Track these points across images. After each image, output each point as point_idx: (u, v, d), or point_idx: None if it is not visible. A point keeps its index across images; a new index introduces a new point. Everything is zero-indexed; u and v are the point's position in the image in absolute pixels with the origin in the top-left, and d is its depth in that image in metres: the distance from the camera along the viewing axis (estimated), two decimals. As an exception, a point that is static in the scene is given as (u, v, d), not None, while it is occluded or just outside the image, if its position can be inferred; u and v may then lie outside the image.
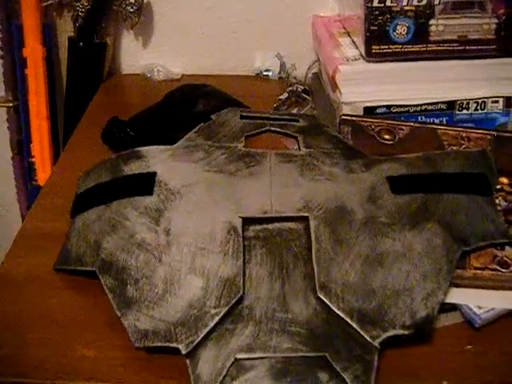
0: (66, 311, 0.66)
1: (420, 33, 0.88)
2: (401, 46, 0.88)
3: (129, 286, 0.63)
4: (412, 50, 0.88)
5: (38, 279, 0.70)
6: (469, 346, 0.63)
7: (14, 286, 0.69)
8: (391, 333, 0.60)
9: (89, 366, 0.60)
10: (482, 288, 0.66)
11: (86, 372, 0.60)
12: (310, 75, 1.10)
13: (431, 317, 0.61)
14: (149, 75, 1.16)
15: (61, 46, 1.15)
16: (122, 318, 0.61)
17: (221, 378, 0.56)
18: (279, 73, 1.14)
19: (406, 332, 0.60)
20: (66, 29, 1.12)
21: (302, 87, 1.05)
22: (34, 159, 1.14)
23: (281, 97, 1.03)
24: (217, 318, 0.59)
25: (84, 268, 0.68)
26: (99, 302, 0.65)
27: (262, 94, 1.08)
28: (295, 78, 1.11)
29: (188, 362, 0.58)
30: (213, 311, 0.60)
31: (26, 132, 1.15)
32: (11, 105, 1.17)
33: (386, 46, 0.88)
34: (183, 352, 0.58)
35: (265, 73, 1.16)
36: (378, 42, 0.88)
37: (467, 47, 0.89)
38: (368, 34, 0.88)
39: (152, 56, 1.17)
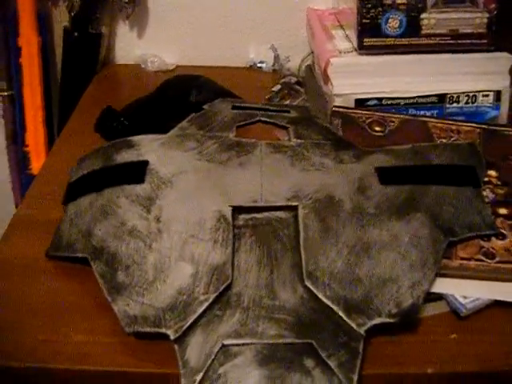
0: (57, 297, 0.67)
1: (412, 26, 0.89)
2: (393, 40, 0.89)
3: (119, 272, 0.64)
4: (404, 43, 0.89)
5: (30, 265, 0.71)
6: (453, 335, 0.64)
7: (6, 271, 0.70)
8: (377, 321, 0.60)
9: (80, 351, 0.61)
10: (468, 278, 0.67)
11: (77, 356, 0.60)
12: (303, 67, 1.11)
13: (417, 306, 0.62)
14: (143, 66, 1.16)
15: (56, 35, 1.16)
16: (112, 303, 0.62)
17: (208, 363, 0.57)
18: (273, 65, 1.15)
19: (392, 320, 0.61)
20: (61, 19, 1.13)
21: (295, 79, 1.05)
22: (28, 148, 1.15)
23: (274, 88, 1.03)
24: (205, 305, 0.60)
25: (76, 254, 0.68)
26: (90, 288, 0.66)
27: (255, 86, 1.09)
28: (289, 69, 1.12)
29: (176, 347, 0.59)
30: (201, 298, 0.61)
31: (21, 121, 1.16)
32: (6, 94, 1.18)
33: (378, 39, 0.88)
34: (172, 337, 0.59)
35: (259, 64, 1.17)
36: (370, 35, 0.89)
37: (458, 41, 0.90)
38: (360, 27, 0.89)
39: (146, 46, 1.18)
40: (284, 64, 1.13)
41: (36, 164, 1.12)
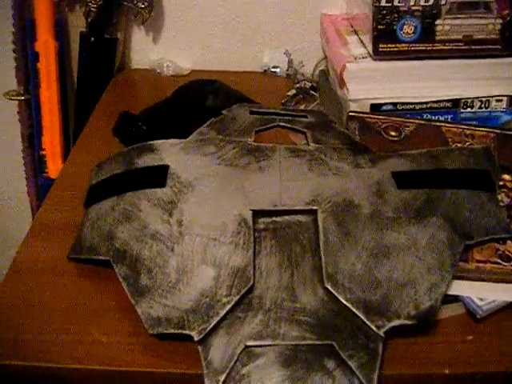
0: (80, 299, 0.68)
1: (426, 32, 0.90)
2: (407, 45, 0.90)
3: (142, 275, 0.65)
4: (418, 48, 0.90)
5: (52, 268, 0.72)
6: (470, 337, 0.65)
7: (29, 274, 0.71)
8: (396, 323, 0.61)
9: (102, 351, 0.62)
10: (484, 281, 0.68)
11: (100, 356, 0.62)
12: (317, 72, 1.12)
13: (434, 308, 0.63)
14: (158, 70, 1.18)
15: (72, 40, 1.17)
16: (136, 305, 0.63)
17: (231, 364, 0.58)
18: (287, 70, 1.16)
19: (410, 322, 0.62)
20: (77, 24, 1.14)
21: (310, 84, 1.07)
22: (44, 152, 1.16)
23: (289, 93, 1.04)
24: (228, 307, 0.61)
25: (98, 257, 0.69)
26: (113, 291, 0.67)
27: (269, 91, 1.10)
28: (303, 74, 1.13)
29: (200, 348, 0.60)
30: (224, 300, 0.62)
31: (37, 125, 1.17)
32: (23, 98, 1.19)
33: (393, 45, 0.89)
34: (196, 339, 0.60)
35: (273, 69, 1.18)
36: (385, 40, 0.89)
37: (472, 47, 0.91)
38: (376, 32, 0.90)
39: (162, 51, 1.20)
40: (298, 69, 1.14)
41: (52, 167, 1.14)
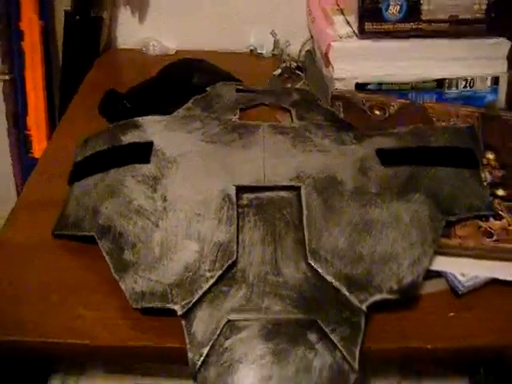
0: (64, 274, 0.68)
1: (412, 12, 0.90)
2: (393, 25, 0.90)
3: (126, 250, 0.65)
4: (404, 28, 0.90)
5: (36, 244, 0.72)
6: (452, 314, 0.66)
7: (13, 250, 0.71)
8: (378, 297, 0.62)
9: (87, 326, 0.62)
10: (466, 257, 0.69)
11: (84, 331, 0.62)
12: (303, 52, 1.12)
13: (416, 282, 0.64)
14: (144, 50, 1.17)
15: (57, 19, 1.16)
16: (119, 280, 0.63)
17: (214, 337, 0.59)
18: (273, 50, 1.16)
19: (393, 296, 0.62)
20: (62, 2, 1.13)
21: (296, 64, 1.07)
22: (29, 132, 1.16)
23: (274, 72, 1.05)
24: (211, 281, 0.62)
25: (82, 233, 0.69)
26: (97, 266, 0.67)
27: (255, 71, 1.10)
28: (289, 54, 1.13)
29: (183, 322, 0.60)
30: (207, 274, 0.62)
31: (22, 105, 1.16)
32: (7, 77, 1.18)
33: (379, 24, 0.89)
34: (179, 313, 0.60)
35: (259, 50, 1.18)
36: (370, 20, 0.89)
37: (457, 27, 0.91)
38: (361, 12, 0.89)
39: (148, 31, 1.19)
40: (284, 49, 1.14)
41: (37, 147, 1.13)
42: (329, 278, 0.62)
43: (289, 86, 1.00)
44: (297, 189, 0.69)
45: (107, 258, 0.65)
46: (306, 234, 0.65)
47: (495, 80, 0.93)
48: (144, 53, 1.17)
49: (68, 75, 1.15)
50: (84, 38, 1.13)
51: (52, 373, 0.80)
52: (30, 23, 1.10)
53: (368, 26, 0.89)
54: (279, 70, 1.05)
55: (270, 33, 1.15)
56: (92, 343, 0.62)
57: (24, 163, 1.21)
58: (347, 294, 0.62)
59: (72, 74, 1.13)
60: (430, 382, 0.78)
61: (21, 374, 0.78)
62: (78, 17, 1.11)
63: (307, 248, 0.64)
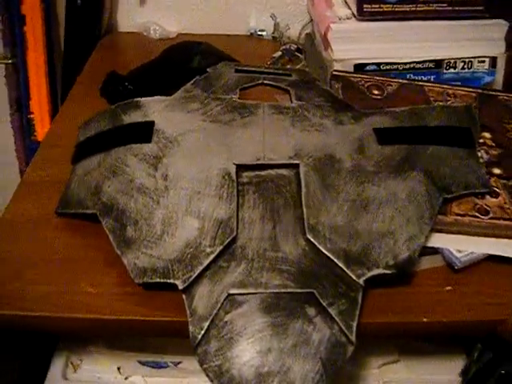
0: (68, 251, 0.69)
1: (410, -7, 0.91)
2: (391, 6, 0.90)
3: (128, 227, 0.66)
4: (402, 9, 0.91)
5: (40, 222, 0.73)
6: (448, 287, 0.67)
7: (17, 230, 0.72)
8: (375, 272, 0.63)
9: (90, 301, 0.64)
10: (463, 233, 0.69)
11: (87, 306, 0.63)
12: (303, 35, 1.13)
13: (413, 258, 0.65)
14: (145, 33, 1.18)
15: (58, 3, 1.17)
16: (122, 256, 0.64)
17: (215, 311, 0.60)
18: (273, 32, 1.17)
19: (389, 271, 0.63)
20: (64, -14, 1.14)
21: (296, 46, 1.07)
22: (32, 115, 1.17)
23: (274, 55, 1.05)
24: (212, 257, 0.63)
25: (85, 211, 0.70)
26: (100, 243, 0.68)
27: (256, 53, 1.11)
28: (289, 37, 1.14)
29: (184, 297, 0.61)
30: (208, 250, 0.63)
31: (25, 89, 1.17)
32: (10, 62, 1.18)
33: (377, 6, 0.90)
34: (180, 287, 0.61)
35: (259, 32, 1.19)
36: (369, 1, 0.90)
37: (455, 8, 0.92)
38: (360, -7, 0.90)
39: (148, 15, 1.20)
40: (284, 32, 1.14)
41: (41, 131, 1.14)
42: (327, 253, 0.63)
43: (288, 67, 1.01)
44: (296, 167, 0.70)
45: (110, 235, 0.66)
46: (304, 210, 0.66)
47: (493, 61, 0.93)
48: (145, 36, 1.18)
49: (70, 58, 1.15)
50: (86, 22, 1.14)
51: (56, 351, 0.82)
52: (31, 7, 1.10)
53: (367, 7, 0.90)
54: (279, 53, 1.06)
55: (270, 16, 1.16)
56: (96, 317, 0.63)
57: (28, 146, 1.22)
58: (345, 268, 0.63)
59: (74, 57, 1.14)
60: (429, 360, 0.80)
61: (25, 352, 0.80)
62: (79, 1, 1.11)
63: (306, 224, 0.65)
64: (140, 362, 0.79)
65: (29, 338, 0.79)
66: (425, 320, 0.64)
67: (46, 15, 1.13)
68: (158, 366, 0.79)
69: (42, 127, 1.14)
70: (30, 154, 1.20)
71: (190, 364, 0.78)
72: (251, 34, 1.19)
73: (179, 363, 0.79)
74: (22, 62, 1.16)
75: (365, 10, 0.90)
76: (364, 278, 0.62)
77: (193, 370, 0.77)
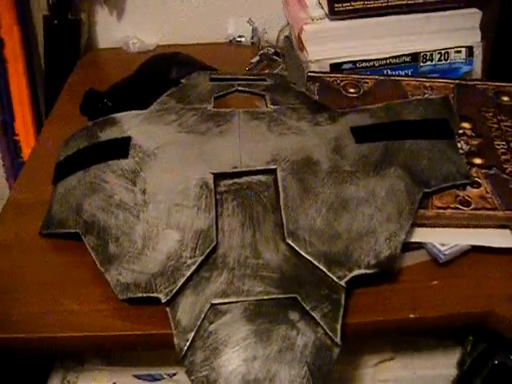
0: (51, 271, 0.69)
1: (381, -12, 0.90)
2: (363, 3, 0.90)
3: (110, 244, 0.66)
4: (374, 5, 0.90)
5: (24, 243, 0.73)
6: (435, 282, 0.67)
7: (2, 250, 0.73)
8: (356, 272, 0.63)
9: (75, 319, 0.64)
10: (445, 226, 0.70)
11: (72, 324, 0.63)
12: (281, 38, 1.12)
13: (394, 256, 0.65)
14: (125, 48, 1.18)
15: (37, 24, 1.17)
16: (105, 273, 0.65)
17: (199, 322, 0.60)
18: (252, 38, 1.17)
19: (371, 271, 0.63)
20: (39, 7, 1.14)
21: (273, 50, 1.07)
22: (18, 137, 1.17)
23: (252, 60, 1.06)
24: (193, 268, 0.63)
25: (67, 230, 0.71)
26: (83, 261, 0.68)
27: (235, 60, 1.12)
28: (267, 41, 1.14)
29: (168, 309, 0.61)
30: (189, 261, 0.63)
31: (9, 111, 1.18)
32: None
33: (348, 4, 0.89)
34: (163, 301, 0.61)
35: (238, 39, 1.19)
36: (340, 0, 0.90)
37: (427, 0, 0.91)
38: (330, -7, 0.90)
39: (126, 29, 1.20)
40: (262, 36, 1.15)
41: (27, 152, 1.15)
42: (307, 257, 0.63)
43: (266, 71, 1.01)
44: (273, 172, 0.70)
45: (92, 252, 0.67)
46: (283, 215, 0.66)
47: (470, 51, 0.93)
48: (124, 50, 1.18)
49: (51, 78, 1.16)
50: (64, 42, 1.14)
51: (52, 370, 0.82)
52: (9, 30, 1.11)
53: (338, 6, 0.89)
54: (257, 58, 1.06)
55: (248, 21, 1.16)
56: (82, 335, 0.63)
57: (16, 168, 1.23)
58: (326, 271, 0.63)
59: (55, 76, 1.15)
60: (423, 355, 0.79)
61: (21, 372, 0.80)
62: (56, 21, 1.12)
63: (285, 229, 0.65)
64: (135, 376, 0.79)
65: (23, 358, 0.79)
66: (412, 316, 0.64)
67: (25, 37, 1.13)
68: (153, 378, 0.79)
69: (27, 148, 1.14)
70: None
71: (185, 375, 0.78)
72: (230, 41, 1.20)
73: (174, 375, 0.79)
74: (4, 86, 1.16)
75: (336, 9, 0.89)
76: (346, 280, 0.62)
77: (188, 381, 0.77)
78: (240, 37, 1.18)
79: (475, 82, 0.87)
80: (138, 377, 0.79)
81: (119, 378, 0.80)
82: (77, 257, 0.70)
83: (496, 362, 0.72)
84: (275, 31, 1.13)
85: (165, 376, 0.79)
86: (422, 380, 0.79)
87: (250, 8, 1.17)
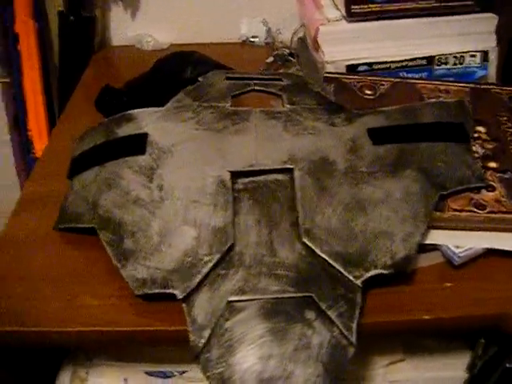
0: (67, 266, 0.70)
1: (398, -9, 0.90)
2: (380, 5, 0.90)
3: (126, 240, 0.66)
4: (390, 8, 0.90)
5: (39, 238, 0.73)
6: (449, 284, 0.67)
7: (17, 245, 0.73)
8: (373, 272, 0.63)
9: (91, 314, 0.64)
10: (460, 229, 0.70)
11: (88, 318, 0.64)
12: (295, 39, 1.13)
13: (410, 257, 0.65)
14: (138, 46, 1.18)
15: (51, 20, 1.17)
16: (120, 269, 0.65)
17: (215, 319, 0.60)
18: (265, 39, 1.17)
19: (387, 271, 0.63)
20: (54, 3, 1.14)
21: (288, 51, 1.08)
22: (30, 133, 1.17)
23: (267, 60, 1.06)
24: (210, 265, 0.63)
25: (83, 225, 0.71)
26: (98, 256, 0.68)
27: (249, 60, 1.12)
28: (281, 42, 1.14)
29: (184, 306, 0.62)
30: (206, 258, 0.63)
31: (22, 107, 1.18)
32: (6, 80, 1.19)
33: (366, 6, 0.90)
34: (179, 297, 0.62)
35: (251, 39, 1.19)
36: (357, 2, 0.90)
37: (444, 4, 0.91)
38: (347, -5, 0.90)
39: (140, 27, 1.20)
40: (276, 37, 1.15)
41: (39, 147, 1.14)
42: (323, 256, 0.64)
43: (281, 72, 1.02)
44: (290, 171, 0.70)
45: (108, 248, 0.67)
46: (299, 214, 0.66)
47: (485, 55, 0.93)
48: (138, 49, 1.19)
49: (65, 74, 1.16)
50: (78, 38, 1.14)
51: (62, 365, 0.82)
52: (24, 25, 1.11)
53: (355, 8, 0.89)
54: (271, 58, 1.06)
55: (262, 22, 1.16)
56: (99, 330, 0.63)
57: (28, 164, 1.23)
58: (342, 270, 0.63)
59: (69, 72, 1.15)
60: (434, 357, 0.80)
61: (32, 366, 0.80)
62: (71, 17, 1.12)
63: (301, 228, 0.65)
64: (146, 373, 0.79)
65: (34, 352, 0.79)
66: (426, 317, 0.64)
67: (40, 33, 1.13)
68: (164, 375, 0.79)
69: (40, 144, 1.14)
70: (30, 171, 1.20)
71: (196, 372, 0.78)
72: (243, 41, 1.20)
73: (185, 372, 0.79)
74: (17, 81, 1.16)
75: (353, 11, 0.90)
76: (362, 279, 0.63)
77: (199, 379, 0.77)
78: (254, 37, 1.18)
79: (490, 87, 0.88)
80: (148, 373, 0.79)
81: (130, 374, 0.80)
82: (91, 252, 0.70)
83: (507, 366, 0.72)
84: (289, 32, 1.13)
85: (176, 373, 0.79)
86: (432, 382, 0.79)
87: (265, 8, 1.17)
